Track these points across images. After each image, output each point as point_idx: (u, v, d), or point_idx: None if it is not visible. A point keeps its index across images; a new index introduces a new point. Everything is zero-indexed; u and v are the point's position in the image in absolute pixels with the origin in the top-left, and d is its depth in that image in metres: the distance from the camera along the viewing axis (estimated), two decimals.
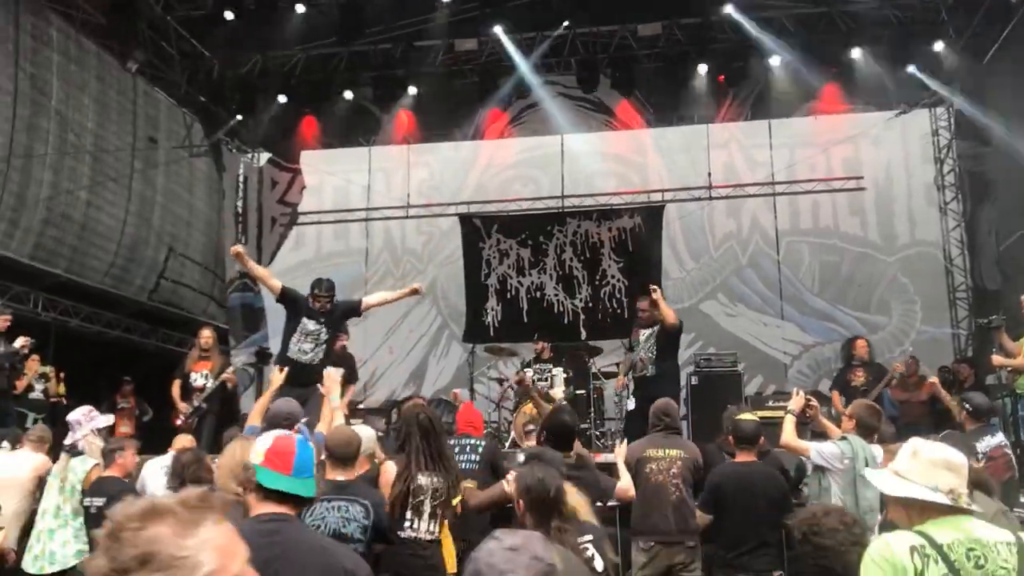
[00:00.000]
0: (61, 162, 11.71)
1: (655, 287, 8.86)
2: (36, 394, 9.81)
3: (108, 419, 6.93)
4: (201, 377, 9.32)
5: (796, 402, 5.97)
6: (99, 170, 12.47)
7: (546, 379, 10.42)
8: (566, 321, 14.43)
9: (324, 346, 7.49)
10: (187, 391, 9.24)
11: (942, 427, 9.46)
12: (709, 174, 14.62)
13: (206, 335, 9.69)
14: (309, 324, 7.44)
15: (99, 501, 5.80)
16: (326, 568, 2.70)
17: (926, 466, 2.75)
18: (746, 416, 5.87)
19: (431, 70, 14.06)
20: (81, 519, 6.14)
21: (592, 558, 3.47)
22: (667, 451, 6.07)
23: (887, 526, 3.29)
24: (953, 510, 2.67)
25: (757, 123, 14.63)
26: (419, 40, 13.57)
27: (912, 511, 2.73)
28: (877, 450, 5.42)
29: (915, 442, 2.87)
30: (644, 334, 9.04)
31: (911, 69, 13.10)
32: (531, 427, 8.66)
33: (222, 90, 14.40)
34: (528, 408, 9.36)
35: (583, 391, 10.48)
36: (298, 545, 2.72)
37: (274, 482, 2.81)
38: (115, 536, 1.37)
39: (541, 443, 5.77)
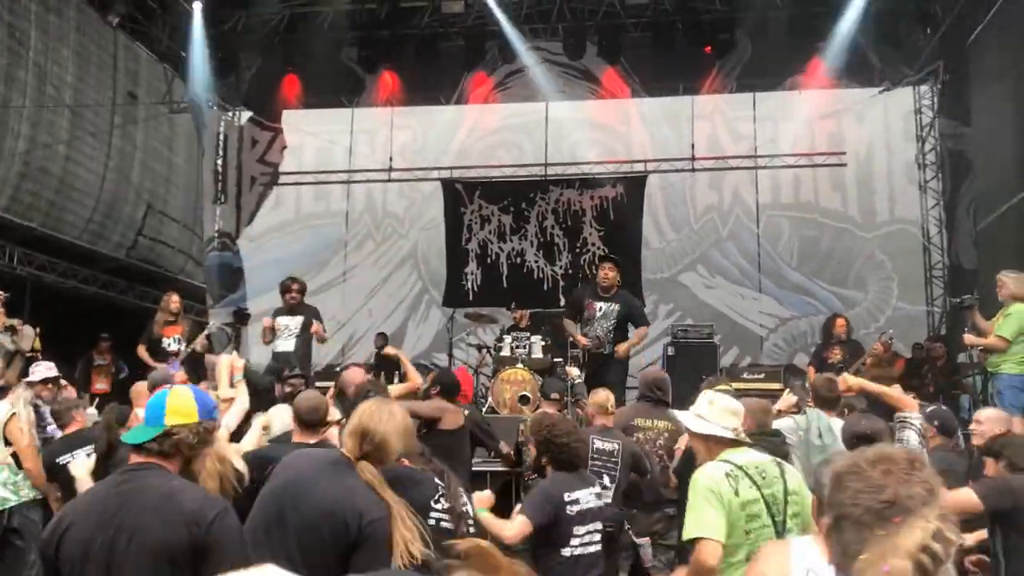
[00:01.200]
0: (39, 115, 11.52)
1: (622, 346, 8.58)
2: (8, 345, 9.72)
3: (50, 367, 6.78)
4: (174, 342, 9.33)
5: (785, 402, 6.05)
6: (78, 124, 12.29)
7: (524, 347, 10.49)
8: (546, 288, 14.49)
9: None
10: (160, 355, 9.19)
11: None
12: (692, 145, 14.63)
13: (175, 300, 9.64)
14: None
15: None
16: (165, 512, 2.71)
17: (719, 412, 3.68)
18: (722, 388, 5.92)
19: (416, 32, 13.93)
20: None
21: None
22: (655, 422, 6.14)
23: (688, 453, 4.72)
24: (735, 442, 3.63)
25: (742, 96, 14.61)
26: (405, 1, 13.43)
27: (709, 444, 3.67)
28: (837, 423, 5.49)
29: (710, 393, 3.82)
30: (601, 309, 8.67)
31: (896, 46, 13.14)
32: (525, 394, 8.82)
33: (203, 46, 14.18)
34: (515, 374, 9.46)
35: (560, 359, 10.54)
36: (143, 491, 2.76)
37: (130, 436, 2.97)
38: None
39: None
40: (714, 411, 3.68)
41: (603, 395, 6.04)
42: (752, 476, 3.45)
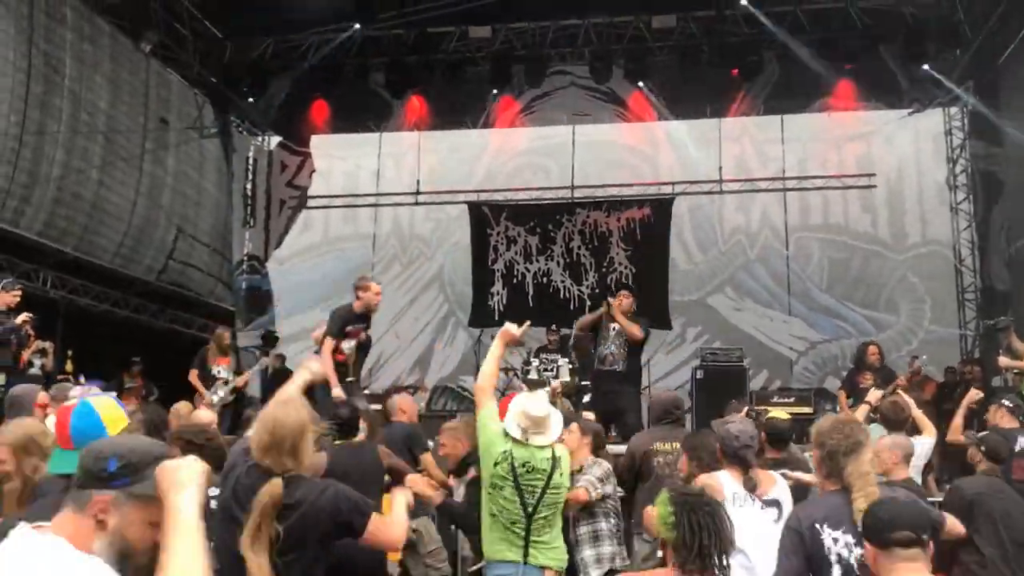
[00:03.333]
0: (73, 141, 11.70)
1: (606, 303, 8.89)
2: (35, 370, 9.86)
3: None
4: (225, 370, 9.82)
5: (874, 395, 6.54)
6: (110, 150, 12.47)
7: (551, 369, 10.44)
8: (572, 307, 14.44)
9: None
10: (209, 381, 9.67)
11: (944, 427, 9.48)
12: (720, 168, 14.57)
13: (228, 336, 10.41)
14: None
15: None
16: None
17: (519, 416, 4.39)
18: (778, 415, 5.87)
19: (443, 56, 14.04)
20: None
21: None
22: (674, 444, 6.06)
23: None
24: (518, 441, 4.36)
25: (770, 118, 14.57)
26: (432, 26, 13.55)
27: (507, 439, 4.38)
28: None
29: (521, 400, 4.52)
30: (615, 328, 8.87)
31: (926, 67, 13.05)
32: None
33: (233, 72, 14.41)
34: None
35: (588, 382, 10.47)
36: None
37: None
38: None
39: None
40: (514, 416, 4.42)
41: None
42: (515, 464, 4.33)
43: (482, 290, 14.90)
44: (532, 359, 10.96)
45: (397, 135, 15.59)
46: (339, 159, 15.99)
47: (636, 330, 8.78)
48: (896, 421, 5.99)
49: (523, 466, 4.30)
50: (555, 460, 4.37)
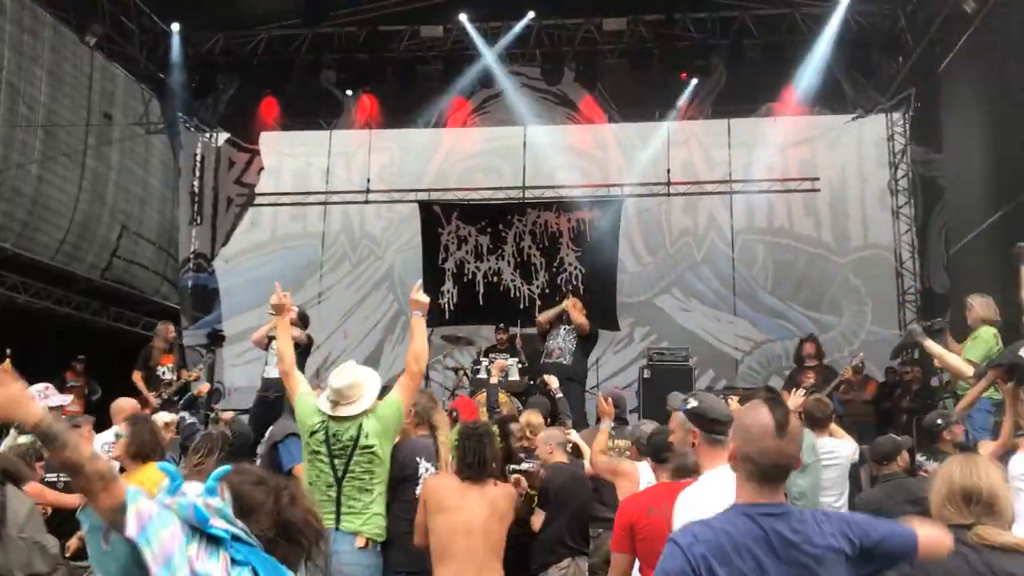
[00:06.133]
0: (12, 135, 11.45)
1: (571, 297, 9.20)
2: None
3: (64, 399, 6.79)
4: (168, 371, 9.61)
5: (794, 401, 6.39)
6: (52, 144, 12.22)
7: None
8: (522, 307, 14.47)
9: None
10: (154, 383, 9.46)
11: (885, 425, 9.73)
12: (668, 171, 14.72)
13: (171, 330, 10.00)
14: None
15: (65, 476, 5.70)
16: None
17: (328, 389, 4.65)
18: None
19: (395, 55, 13.99)
20: None
21: None
22: (616, 442, 6.14)
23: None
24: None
25: (717, 122, 14.77)
26: (384, 25, 13.50)
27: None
28: (828, 442, 6.00)
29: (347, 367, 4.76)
30: (565, 327, 9.35)
31: (868, 74, 13.35)
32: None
33: (181, 68, 14.18)
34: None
35: (534, 381, 10.53)
36: None
37: None
38: None
39: None
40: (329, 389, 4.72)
41: (558, 434, 5.94)
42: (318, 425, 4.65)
43: (432, 289, 14.84)
44: (482, 359, 10.99)
45: (348, 133, 15.50)
46: (288, 156, 15.84)
47: (587, 322, 9.02)
48: (820, 419, 6.21)
49: (334, 436, 4.53)
50: (360, 429, 4.54)
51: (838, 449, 6.40)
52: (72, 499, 6.19)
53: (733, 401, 6.26)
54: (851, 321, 14.26)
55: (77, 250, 12.95)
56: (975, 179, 11.62)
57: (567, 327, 9.26)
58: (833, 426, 6.56)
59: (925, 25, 12.28)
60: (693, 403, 3.50)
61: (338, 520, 4.42)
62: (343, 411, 4.55)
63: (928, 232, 13.78)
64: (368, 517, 4.54)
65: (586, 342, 9.47)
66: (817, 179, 14.51)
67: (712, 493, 2.94)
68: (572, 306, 9.33)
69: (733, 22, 13.12)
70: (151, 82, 14.30)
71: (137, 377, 9.48)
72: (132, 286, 14.32)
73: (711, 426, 3.41)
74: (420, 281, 5.04)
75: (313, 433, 4.59)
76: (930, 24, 12.10)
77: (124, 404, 6.80)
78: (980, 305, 7.45)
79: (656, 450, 4.37)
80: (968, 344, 7.43)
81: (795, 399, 6.53)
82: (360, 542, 4.50)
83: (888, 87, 13.81)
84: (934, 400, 11.19)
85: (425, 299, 4.91)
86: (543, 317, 9.78)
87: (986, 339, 7.30)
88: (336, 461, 4.51)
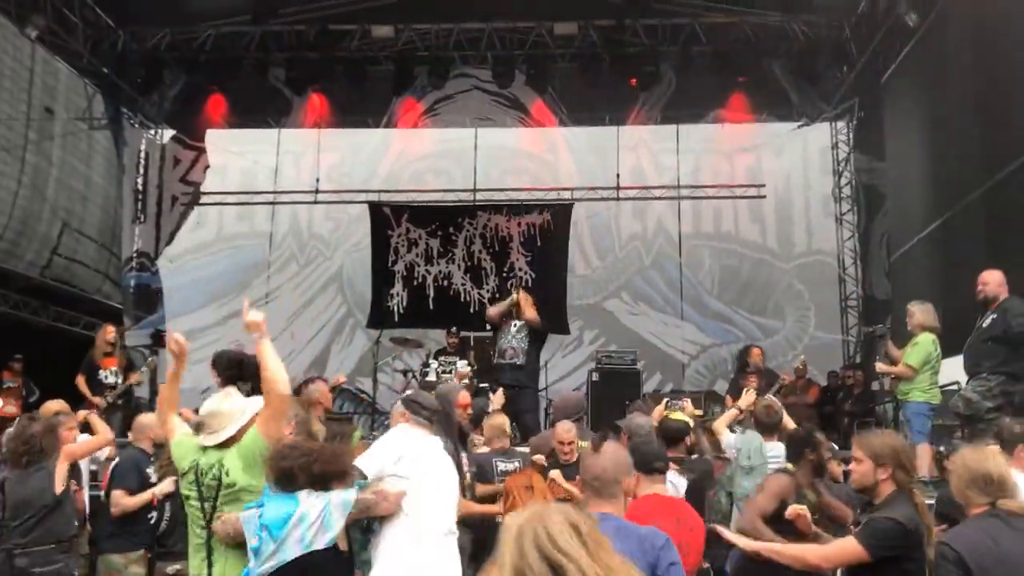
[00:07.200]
0: None
1: (520, 289, 9.37)
2: None
3: None
4: (111, 374, 9.35)
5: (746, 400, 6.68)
6: None
7: (450, 371, 10.46)
8: (472, 311, 14.48)
9: None
10: (97, 387, 9.18)
11: (826, 429, 9.90)
12: (618, 175, 14.84)
13: (112, 331, 9.69)
14: None
15: None
16: None
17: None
18: (676, 416, 6.01)
19: (346, 54, 13.88)
20: None
21: None
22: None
23: None
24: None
25: (665, 127, 14.91)
26: (334, 24, 13.39)
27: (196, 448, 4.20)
28: (776, 446, 5.96)
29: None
30: (516, 324, 9.26)
31: (813, 83, 13.63)
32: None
33: (126, 63, 13.93)
34: None
35: (487, 384, 10.52)
36: None
37: None
38: None
39: None
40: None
41: (500, 419, 6.46)
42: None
43: (381, 291, 14.78)
44: (431, 361, 10.98)
45: (297, 132, 15.34)
46: (236, 155, 15.61)
47: (537, 316, 9.04)
48: (769, 424, 6.25)
49: (202, 474, 4.09)
50: (221, 467, 4.06)
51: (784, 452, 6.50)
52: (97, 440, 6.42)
53: (687, 404, 6.41)
54: (795, 326, 14.52)
55: (16, 247, 12.63)
56: (916, 188, 11.92)
57: (517, 323, 9.21)
58: (787, 419, 6.55)
59: (869, 36, 12.57)
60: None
61: (210, 568, 3.95)
62: (206, 440, 4.13)
63: (870, 239, 14.09)
64: (238, 560, 3.97)
65: (537, 339, 9.42)
66: (763, 185, 14.76)
67: None
68: (523, 299, 9.29)
69: (682, 29, 13.26)
70: (95, 77, 14.00)
71: (81, 382, 9.23)
72: (73, 285, 14.00)
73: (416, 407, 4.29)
74: (247, 301, 4.32)
75: (184, 475, 4.18)
76: (874, 35, 12.38)
77: (52, 406, 6.55)
78: (920, 312, 7.65)
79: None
80: (908, 349, 7.63)
81: (746, 398, 6.77)
82: None
83: (833, 96, 14.10)
84: (875, 404, 11.45)
85: (259, 318, 4.17)
86: (494, 310, 9.72)
87: (926, 345, 7.51)
88: (205, 504, 4.05)
